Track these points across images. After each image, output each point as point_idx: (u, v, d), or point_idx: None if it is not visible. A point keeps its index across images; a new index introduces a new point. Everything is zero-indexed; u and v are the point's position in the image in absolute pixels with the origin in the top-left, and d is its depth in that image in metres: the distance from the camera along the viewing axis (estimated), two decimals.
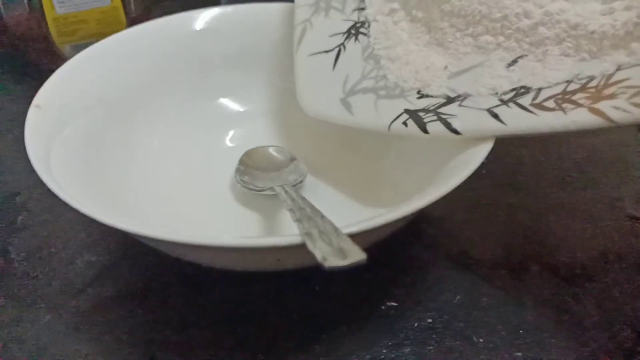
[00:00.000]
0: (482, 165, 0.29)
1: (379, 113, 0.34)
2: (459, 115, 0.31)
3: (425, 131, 0.31)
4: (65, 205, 0.27)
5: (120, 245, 0.35)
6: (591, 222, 0.36)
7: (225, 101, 0.44)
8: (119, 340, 0.30)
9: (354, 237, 0.24)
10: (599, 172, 0.40)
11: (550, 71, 0.31)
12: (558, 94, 0.29)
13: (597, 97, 0.28)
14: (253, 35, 0.43)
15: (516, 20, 0.32)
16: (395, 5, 0.37)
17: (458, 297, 0.32)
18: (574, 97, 0.29)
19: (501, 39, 0.32)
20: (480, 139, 0.30)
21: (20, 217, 0.37)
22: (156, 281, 0.33)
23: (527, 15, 0.31)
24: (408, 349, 0.29)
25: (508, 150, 0.42)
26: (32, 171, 0.29)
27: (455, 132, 0.30)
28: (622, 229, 0.36)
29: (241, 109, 0.44)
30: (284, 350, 0.29)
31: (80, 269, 0.34)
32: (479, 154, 0.29)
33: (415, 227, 0.35)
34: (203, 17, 0.43)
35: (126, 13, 0.52)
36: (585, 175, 0.40)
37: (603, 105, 0.27)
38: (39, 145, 0.31)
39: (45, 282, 0.33)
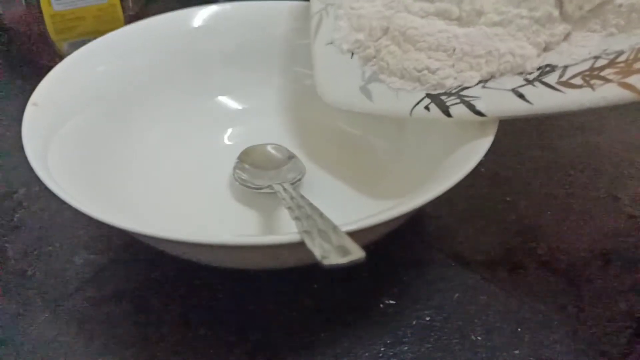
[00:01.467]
0: (480, 163, 0.29)
1: (399, 99, 0.33)
2: (482, 97, 0.30)
3: (449, 114, 0.31)
4: (62, 203, 0.27)
5: (119, 244, 0.35)
6: (590, 221, 0.36)
7: (223, 99, 0.44)
8: (118, 339, 0.30)
9: (353, 235, 0.24)
10: (597, 171, 0.40)
11: (577, 48, 0.30)
12: (585, 71, 0.29)
13: (627, 71, 0.27)
14: (251, 32, 0.43)
15: (499, 56, 0.30)
16: (360, 37, 0.36)
17: (456, 295, 0.32)
18: (603, 73, 0.28)
19: (485, 70, 0.31)
20: (479, 137, 0.30)
21: (17, 215, 0.37)
22: (154, 280, 0.33)
23: (516, 54, 0.30)
24: (406, 347, 0.29)
25: (506, 149, 0.42)
26: (30, 169, 0.29)
27: (480, 113, 0.30)
28: (621, 228, 0.36)
29: (239, 107, 0.44)
30: (282, 349, 0.29)
31: (77, 268, 0.34)
32: (477, 151, 0.29)
33: (413, 224, 0.35)
34: (201, 15, 0.43)
35: (124, 10, 0.51)
36: (583, 173, 0.40)
37: (633, 79, 0.27)
38: (37, 143, 0.31)
39: (42, 281, 0.33)
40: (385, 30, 0.34)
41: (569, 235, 0.35)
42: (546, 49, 0.30)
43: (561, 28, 0.30)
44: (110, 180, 0.34)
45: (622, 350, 0.29)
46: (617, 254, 0.34)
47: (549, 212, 0.37)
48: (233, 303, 0.31)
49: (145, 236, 0.27)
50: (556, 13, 0.30)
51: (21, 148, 0.30)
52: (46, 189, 0.27)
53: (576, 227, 0.36)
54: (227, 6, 0.44)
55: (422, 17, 0.33)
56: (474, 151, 0.30)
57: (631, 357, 0.29)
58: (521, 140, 0.43)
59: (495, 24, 0.31)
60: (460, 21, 0.32)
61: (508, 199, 0.38)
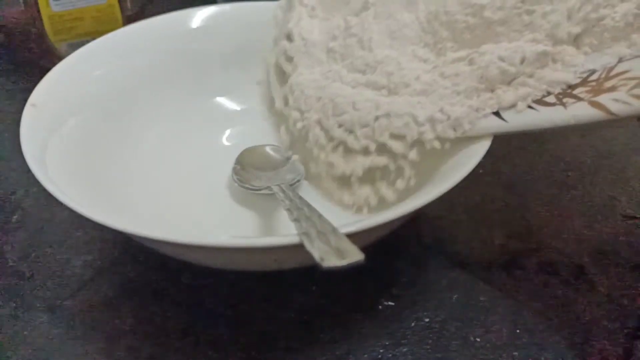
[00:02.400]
0: (479, 164, 0.29)
1: None
2: None
3: None
4: (60, 204, 0.27)
5: (117, 245, 0.35)
6: (588, 221, 0.36)
7: (222, 100, 0.44)
8: (116, 340, 0.30)
9: (351, 236, 0.24)
10: (595, 171, 0.40)
11: None
12: None
13: (598, 90, 0.27)
14: (250, 33, 0.43)
15: (416, 123, 0.31)
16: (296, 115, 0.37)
17: (455, 296, 0.32)
18: (575, 92, 0.28)
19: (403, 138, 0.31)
20: (478, 138, 0.30)
21: (15, 216, 0.37)
22: (153, 281, 0.33)
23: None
24: (405, 349, 0.29)
25: (505, 150, 0.42)
26: (28, 170, 0.29)
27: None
28: (618, 228, 0.36)
29: (238, 108, 0.44)
30: (280, 351, 0.29)
31: (76, 269, 0.33)
32: (476, 153, 0.29)
33: (412, 226, 0.35)
34: (200, 15, 0.43)
35: (122, 11, 0.51)
36: (581, 174, 0.40)
37: (603, 98, 0.27)
38: (35, 144, 0.31)
39: (40, 282, 0.33)
40: (318, 99, 0.35)
41: (568, 236, 0.35)
42: (479, 110, 0.31)
43: (490, 97, 0.31)
44: (109, 181, 0.34)
45: (622, 352, 0.29)
46: (617, 255, 0.34)
47: (547, 213, 0.37)
48: (232, 304, 0.31)
49: (143, 238, 0.27)
50: (482, 86, 0.31)
51: (19, 149, 0.30)
52: (44, 190, 0.27)
53: (575, 228, 0.36)
54: (226, 7, 0.44)
55: (354, 87, 0.34)
56: (473, 153, 0.30)
57: (631, 359, 0.29)
58: (520, 142, 0.43)
59: (418, 94, 0.32)
60: (388, 91, 0.33)
61: (507, 200, 0.38)
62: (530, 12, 0.30)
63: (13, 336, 0.30)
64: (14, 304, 0.32)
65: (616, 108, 0.27)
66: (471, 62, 0.30)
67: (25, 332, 0.30)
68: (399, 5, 0.34)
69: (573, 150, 0.42)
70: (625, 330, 0.30)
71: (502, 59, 0.29)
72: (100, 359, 0.29)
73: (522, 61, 0.29)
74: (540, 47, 0.29)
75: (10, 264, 0.34)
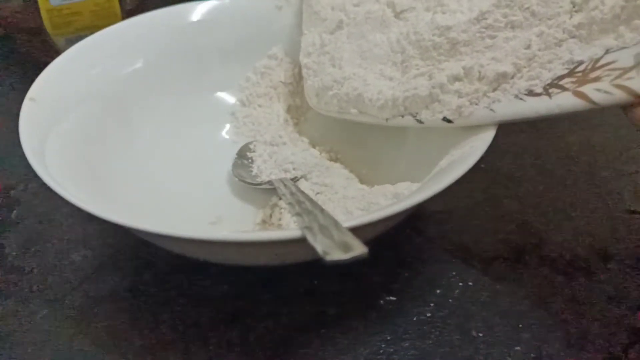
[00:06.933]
0: (481, 159, 0.29)
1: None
2: None
3: (420, 122, 0.32)
4: (60, 199, 0.27)
5: (117, 240, 0.35)
6: (590, 216, 0.36)
7: (222, 95, 0.43)
8: (116, 336, 0.30)
9: (354, 230, 0.24)
10: (597, 167, 0.40)
11: None
12: (546, 79, 0.29)
13: (583, 80, 0.28)
14: (250, 27, 0.43)
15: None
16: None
17: (457, 291, 0.32)
18: (561, 82, 0.29)
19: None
20: (479, 133, 0.30)
21: (14, 211, 0.37)
22: (153, 276, 0.32)
23: None
24: (407, 344, 0.29)
25: (506, 145, 0.41)
26: (27, 165, 0.28)
27: (447, 120, 0.31)
28: (621, 223, 0.36)
29: (238, 102, 0.43)
30: (282, 346, 0.29)
31: (76, 264, 0.33)
32: (478, 148, 0.29)
33: (414, 220, 0.35)
34: (200, 9, 0.43)
35: (121, 5, 0.51)
36: (583, 169, 0.40)
37: (587, 88, 0.28)
38: (34, 139, 0.31)
39: (40, 277, 0.33)
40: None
41: (570, 232, 0.35)
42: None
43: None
44: (109, 175, 0.34)
45: (623, 348, 0.29)
46: (618, 251, 0.34)
47: (550, 209, 0.37)
48: (232, 300, 0.31)
49: (143, 232, 0.27)
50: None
51: (18, 143, 0.30)
52: (44, 184, 0.27)
53: (577, 223, 0.36)
54: (225, 1, 0.43)
55: None
56: (475, 148, 0.29)
57: (631, 354, 0.29)
58: (522, 137, 0.42)
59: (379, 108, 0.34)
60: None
61: (509, 194, 0.38)
62: (492, 37, 0.31)
63: (13, 331, 0.30)
64: (14, 299, 0.31)
65: (598, 97, 0.27)
66: (431, 77, 0.32)
67: (25, 327, 0.30)
68: (372, 27, 0.36)
69: (575, 146, 0.42)
70: (626, 326, 0.30)
71: (457, 77, 0.31)
72: (101, 354, 0.29)
73: (481, 79, 0.30)
74: (502, 68, 0.30)
75: (10, 259, 0.34)
